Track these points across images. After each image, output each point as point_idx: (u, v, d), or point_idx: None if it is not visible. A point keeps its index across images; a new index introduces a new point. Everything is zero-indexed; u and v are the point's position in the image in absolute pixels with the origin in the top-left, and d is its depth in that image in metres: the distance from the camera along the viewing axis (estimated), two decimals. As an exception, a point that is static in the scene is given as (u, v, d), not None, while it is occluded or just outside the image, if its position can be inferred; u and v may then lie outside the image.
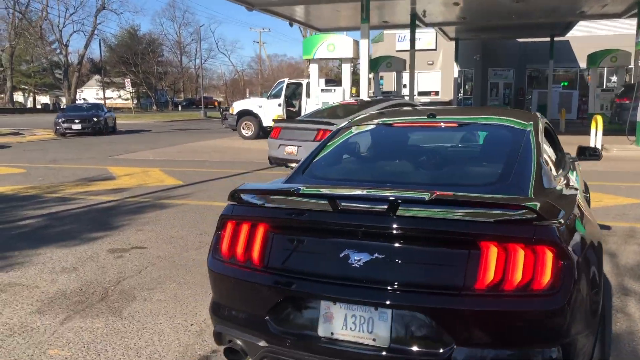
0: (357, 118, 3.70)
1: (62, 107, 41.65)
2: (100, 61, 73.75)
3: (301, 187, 2.35)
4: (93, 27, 66.93)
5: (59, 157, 13.38)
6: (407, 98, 18.32)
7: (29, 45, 63.51)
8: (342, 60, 15.60)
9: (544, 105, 28.82)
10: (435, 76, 36.72)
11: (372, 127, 3.54)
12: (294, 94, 18.10)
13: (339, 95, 15.19)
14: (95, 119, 21.66)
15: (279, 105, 17.41)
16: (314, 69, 15.94)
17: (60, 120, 21.34)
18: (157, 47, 76.48)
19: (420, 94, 32.76)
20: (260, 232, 2.36)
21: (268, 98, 17.92)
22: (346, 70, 15.61)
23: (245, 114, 18.25)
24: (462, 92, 34.42)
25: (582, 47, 29.04)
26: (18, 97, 75.22)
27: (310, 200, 2.38)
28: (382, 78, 27.67)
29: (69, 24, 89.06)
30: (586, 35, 29.42)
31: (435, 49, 34.11)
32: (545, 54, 30.19)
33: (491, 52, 34.43)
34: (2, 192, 8.45)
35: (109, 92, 76.93)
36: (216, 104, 27.65)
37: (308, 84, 17.34)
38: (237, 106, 18.60)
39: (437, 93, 35.89)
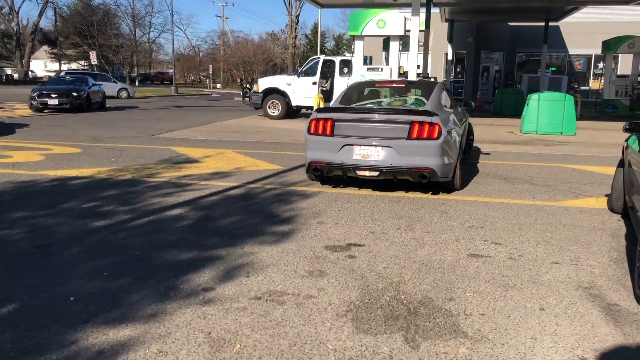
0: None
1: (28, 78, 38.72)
2: (55, 31, 70.01)
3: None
4: (49, -6, 63.16)
5: (97, 135, 12.24)
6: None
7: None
8: (390, 37, 14.94)
9: (535, 89, 29.03)
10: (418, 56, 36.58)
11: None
12: (323, 73, 17.32)
13: (386, 74, 14.57)
14: (75, 94, 19.19)
15: (314, 83, 16.61)
16: (359, 45, 15.20)
17: (35, 94, 18.93)
18: (113, 19, 73.16)
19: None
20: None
21: (298, 76, 17.06)
22: (394, 48, 14.99)
23: (271, 92, 17.36)
24: (452, 75, 34.27)
25: (586, 33, 29.28)
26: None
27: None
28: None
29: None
30: (591, 22, 29.67)
31: (427, 30, 33.73)
32: (535, 39, 30.28)
33: (484, 35, 34.35)
34: (93, 174, 7.49)
35: (60, 65, 73.21)
36: (239, 80, 26.23)
37: (343, 62, 16.60)
38: (263, 83, 17.65)
39: (426, 75, 35.65)
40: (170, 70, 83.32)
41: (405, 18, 14.73)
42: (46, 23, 66.52)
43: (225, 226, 5.13)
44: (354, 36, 15.17)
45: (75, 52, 74.08)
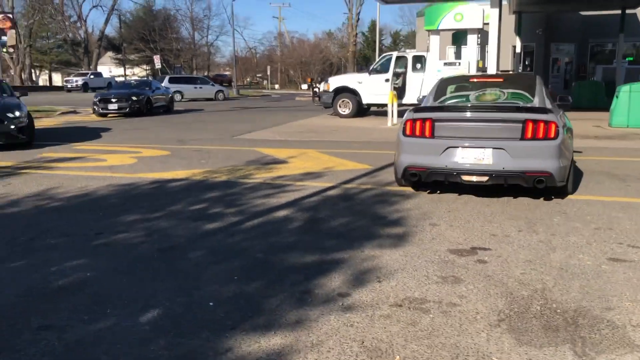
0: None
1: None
2: (119, 37, 72.70)
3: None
4: (113, 2, 65.64)
5: (180, 137, 12.50)
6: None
7: (45, 21, 61.87)
8: (468, 30, 14.52)
9: (612, 82, 27.52)
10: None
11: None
12: (395, 69, 17.03)
13: (464, 69, 14.17)
14: (134, 98, 19.02)
15: (386, 80, 16.38)
16: (434, 40, 14.87)
17: (97, 100, 19.10)
18: (173, 23, 75.16)
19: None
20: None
21: (370, 73, 16.88)
22: (472, 42, 14.55)
23: (342, 90, 17.26)
24: (521, 67, 33.07)
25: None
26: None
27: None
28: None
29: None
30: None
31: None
32: (609, 28, 28.70)
33: (554, 26, 32.95)
34: (188, 177, 7.59)
35: (125, 70, 75.92)
36: (309, 80, 26.54)
37: (415, 57, 16.29)
38: (334, 82, 17.58)
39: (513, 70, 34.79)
40: (228, 73, 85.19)
41: (484, 10, 14.25)
42: (110, 30, 68.96)
43: (335, 228, 5.02)
44: (429, 31, 14.82)
45: (138, 57, 76.84)
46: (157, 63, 50.40)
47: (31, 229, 5.09)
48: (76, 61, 71.10)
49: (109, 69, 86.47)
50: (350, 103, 17.17)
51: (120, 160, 9.19)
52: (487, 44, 21.83)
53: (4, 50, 22.50)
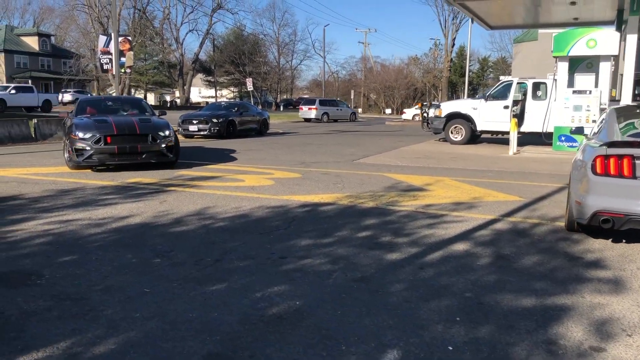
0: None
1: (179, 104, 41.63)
2: (211, 60, 75.80)
3: None
4: (208, 26, 68.61)
5: (299, 159, 12.55)
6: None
7: (145, 43, 65.30)
8: (600, 57, 13.74)
9: None
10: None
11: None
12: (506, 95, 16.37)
13: (595, 98, 13.37)
14: (214, 120, 18.86)
15: (505, 107, 15.80)
16: (562, 67, 14.16)
17: (180, 121, 19.18)
18: (261, 48, 77.31)
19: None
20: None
21: (486, 99, 16.35)
22: (605, 69, 13.73)
23: (455, 116, 16.82)
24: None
25: None
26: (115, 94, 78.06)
27: None
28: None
29: (185, 23, 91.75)
30: None
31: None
32: None
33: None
34: (334, 201, 7.45)
35: (213, 91, 78.76)
36: (419, 105, 26.45)
37: (536, 85, 15.63)
38: (446, 108, 17.18)
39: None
40: (307, 95, 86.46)
41: (619, 36, 13.43)
42: (201, 53, 71.91)
43: (532, 267, 4.63)
44: (557, 57, 14.14)
45: (227, 80, 79.78)
46: (250, 86, 51.72)
47: (211, 249, 5.07)
48: (170, 82, 74.78)
49: (198, 90, 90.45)
50: (463, 129, 16.67)
51: (257, 181, 9.24)
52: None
53: (122, 70, 23.84)
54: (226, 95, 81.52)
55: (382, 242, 5.38)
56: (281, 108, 69.08)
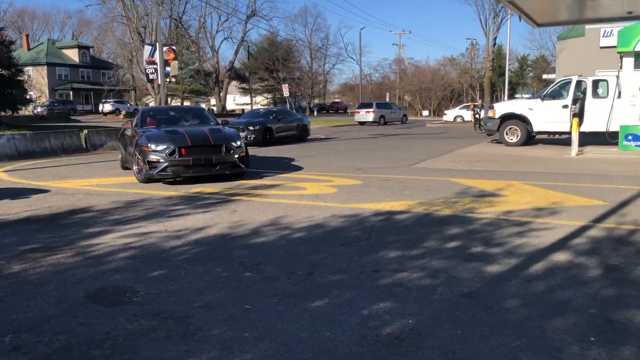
0: None
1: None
2: (248, 67, 76.30)
3: None
4: (243, 34, 69.06)
5: (355, 165, 12.35)
6: None
7: (182, 52, 66.08)
8: (669, 52, 13.12)
9: None
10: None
11: None
12: (564, 94, 15.78)
13: (664, 95, 12.75)
14: (250, 128, 18.68)
15: (564, 107, 15.25)
16: (628, 63, 13.57)
17: None
18: (294, 53, 77.39)
19: None
20: None
21: (543, 99, 15.82)
22: (675, 65, 13.10)
23: (510, 117, 16.33)
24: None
25: None
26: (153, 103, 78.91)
27: None
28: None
29: (220, 31, 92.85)
30: None
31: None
32: None
33: None
34: (407, 209, 7.20)
35: (247, 98, 79.13)
36: (472, 106, 26.15)
37: (595, 82, 15.04)
38: (500, 109, 16.71)
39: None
40: (338, 99, 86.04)
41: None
42: (235, 61, 72.43)
43: (649, 279, 4.29)
44: (622, 53, 13.57)
45: (261, 86, 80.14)
46: (286, 91, 51.83)
47: (298, 261, 4.90)
48: (206, 90, 75.54)
49: (233, 97, 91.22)
50: (519, 130, 16.17)
51: (319, 189, 9.06)
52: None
53: (167, 80, 24.12)
54: (260, 102, 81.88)
55: (475, 253, 5.11)
56: (315, 113, 69.02)
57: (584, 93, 15.25)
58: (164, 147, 9.53)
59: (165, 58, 24.27)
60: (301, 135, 21.80)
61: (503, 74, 57.40)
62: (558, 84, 15.84)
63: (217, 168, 9.81)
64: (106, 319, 3.66)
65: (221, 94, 71.02)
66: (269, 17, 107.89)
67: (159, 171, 9.52)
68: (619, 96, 14.12)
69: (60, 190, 9.30)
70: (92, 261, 5.01)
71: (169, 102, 74.74)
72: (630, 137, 13.53)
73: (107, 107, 53.19)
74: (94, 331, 3.45)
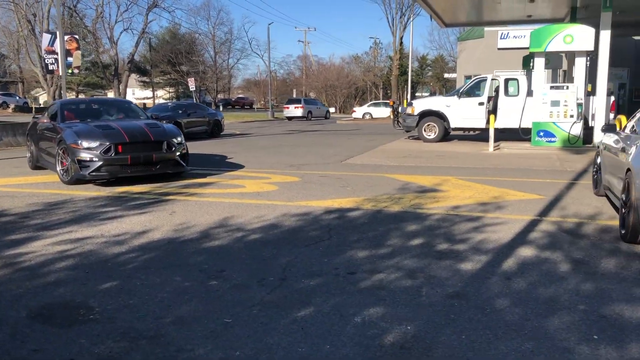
0: None
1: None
2: (146, 60, 73.12)
3: None
4: (144, 25, 65.93)
5: (286, 162, 12.03)
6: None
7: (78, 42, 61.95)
8: (576, 53, 13.99)
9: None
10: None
11: None
12: (480, 92, 16.46)
13: (572, 93, 13.60)
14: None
15: (480, 104, 15.85)
16: (539, 63, 14.33)
17: None
18: (198, 47, 75.39)
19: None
20: None
21: (459, 96, 16.36)
22: (580, 64, 14.00)
23: (428, 114, 16.74)
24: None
25: None
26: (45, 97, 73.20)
27: None
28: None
29: (120, 22, 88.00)
30: None
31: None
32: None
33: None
34: (356, 206, 7.03)
35: (147, 92, 75.93)
36: (392, 102, 26.25)
37: (508, 81, 15.78)
38: (419, 105, 17.08)
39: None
40: (242, 94, 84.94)
41: (595, 32, 13.72)
42: (135, 53, 69.15)
43: (619, 272, 4.40)
44: (533, 53, 14.30)
45: (163, 80, 77.13)
46: (192, 85, 50.16)
47: (266, 266, 4.54)
48: (103, 83, 71.29)
49: (132, 91, 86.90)
50: (437, 127, 16.63)
51: (259, 187, 8.67)
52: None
53: (69, 71, 22.35)
54: (162, 96, 78.72)
55: (443, 250, 5.01)
56: (220, 108, 67.59)
57: (497, 91, 15.97)
58: (97, 144, 8.53)
59: (67, 48, 22.43)
60: (214, 130, 21.07)
61: (405, 73, 59.32)
62: (474, 82, 16.47)
63: (158, 167, 8.95)
64: (65, 342, 3.12)
65: (120, 87, 67.44)
66: (172, 9, 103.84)
67: (92, 171, 8.47)
68: (531, 94, 14.92)
69: (-40, 192, 8.18)
70: (26, 273, 4.34)
71: (65, 95, 69.72)
72: (542, 134, 14.34)
73: (-8, 101, 48.62)
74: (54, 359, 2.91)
